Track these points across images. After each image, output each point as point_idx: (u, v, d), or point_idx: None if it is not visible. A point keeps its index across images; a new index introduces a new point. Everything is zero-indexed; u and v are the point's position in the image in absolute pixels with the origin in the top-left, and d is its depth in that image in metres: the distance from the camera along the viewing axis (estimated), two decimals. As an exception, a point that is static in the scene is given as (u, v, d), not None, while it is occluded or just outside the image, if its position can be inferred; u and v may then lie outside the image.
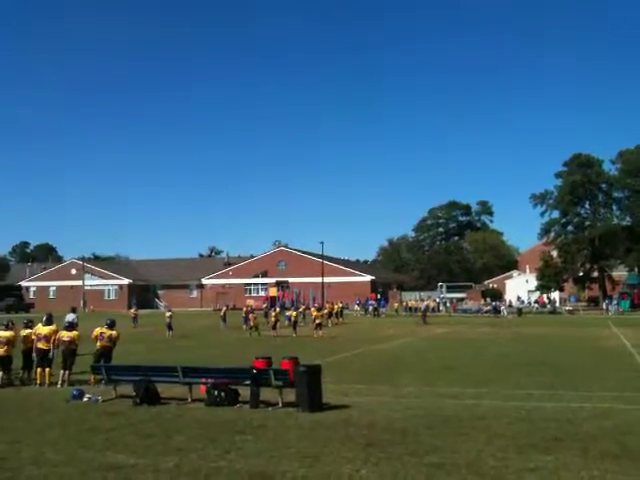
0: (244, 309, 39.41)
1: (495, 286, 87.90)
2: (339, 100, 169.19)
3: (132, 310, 45.55)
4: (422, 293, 76.91)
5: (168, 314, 33.96)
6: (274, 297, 72.31)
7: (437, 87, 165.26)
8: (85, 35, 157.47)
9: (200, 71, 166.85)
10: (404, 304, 65.50)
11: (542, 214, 72.72)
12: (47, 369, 15.24)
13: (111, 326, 16.21)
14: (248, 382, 12.37)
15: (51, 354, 15.35)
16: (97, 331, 16.16)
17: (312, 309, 37.36)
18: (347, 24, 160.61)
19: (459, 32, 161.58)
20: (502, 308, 58.37)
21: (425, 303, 52.80)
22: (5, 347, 15.33)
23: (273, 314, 35.38)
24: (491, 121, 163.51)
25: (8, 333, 15.61)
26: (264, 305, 56.45)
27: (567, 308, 63.66)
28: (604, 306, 62.06)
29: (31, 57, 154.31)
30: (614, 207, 72.37)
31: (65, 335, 15.45)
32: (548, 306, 66.52)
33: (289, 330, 33.44)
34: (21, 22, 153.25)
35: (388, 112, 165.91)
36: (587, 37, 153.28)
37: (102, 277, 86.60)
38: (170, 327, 32.66)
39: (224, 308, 42.71)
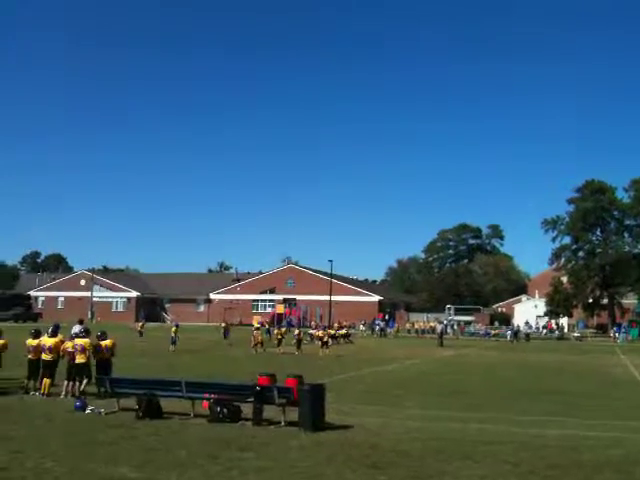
0: (254, 326, 39.22)
1: (504, 310, 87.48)
2: (348, 119, 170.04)
3: (139, 324, 45.66)
4: (430, 315, 76.48)
5: (173, 328, 33.92)
6: (281, 314, 72.25)
7: (448, 109, 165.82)
8: (89, 34, 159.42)
9: (208, 81, 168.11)
10: (413, 325, 65.44)
11: (553, 239, 72.84)
12: (48, 380, 15.19)
13: (102, 337, 15.97)
14: (251, 399, 12.31)
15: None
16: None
17: (317, 329, 37.33)
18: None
19: (468, 58, 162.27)
20: (508, 333, 57.94)
21: (441, 326, 52.46)
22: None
23: (277, 331, 35.26)
24: (503, 145, 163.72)
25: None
26: (267, 321, 56.25)
27: (575, 334, 63.23)
28: (612, 333, 61.60)
29: (35, 69, 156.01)
30: (626, 235, 72.21)
31: (71, 346, 15.36)
32: (556, 332, 66.05)
33: (294, 347, 33.32)
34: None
35: (399, 132, 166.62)
36: (598, 56, 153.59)
37: (111, 289, 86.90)
38: (174, 341, 32.49)
39: (223, 324, 42.49)
